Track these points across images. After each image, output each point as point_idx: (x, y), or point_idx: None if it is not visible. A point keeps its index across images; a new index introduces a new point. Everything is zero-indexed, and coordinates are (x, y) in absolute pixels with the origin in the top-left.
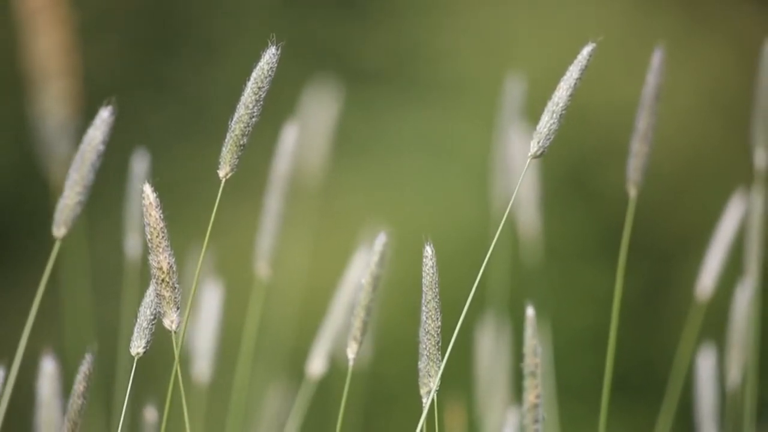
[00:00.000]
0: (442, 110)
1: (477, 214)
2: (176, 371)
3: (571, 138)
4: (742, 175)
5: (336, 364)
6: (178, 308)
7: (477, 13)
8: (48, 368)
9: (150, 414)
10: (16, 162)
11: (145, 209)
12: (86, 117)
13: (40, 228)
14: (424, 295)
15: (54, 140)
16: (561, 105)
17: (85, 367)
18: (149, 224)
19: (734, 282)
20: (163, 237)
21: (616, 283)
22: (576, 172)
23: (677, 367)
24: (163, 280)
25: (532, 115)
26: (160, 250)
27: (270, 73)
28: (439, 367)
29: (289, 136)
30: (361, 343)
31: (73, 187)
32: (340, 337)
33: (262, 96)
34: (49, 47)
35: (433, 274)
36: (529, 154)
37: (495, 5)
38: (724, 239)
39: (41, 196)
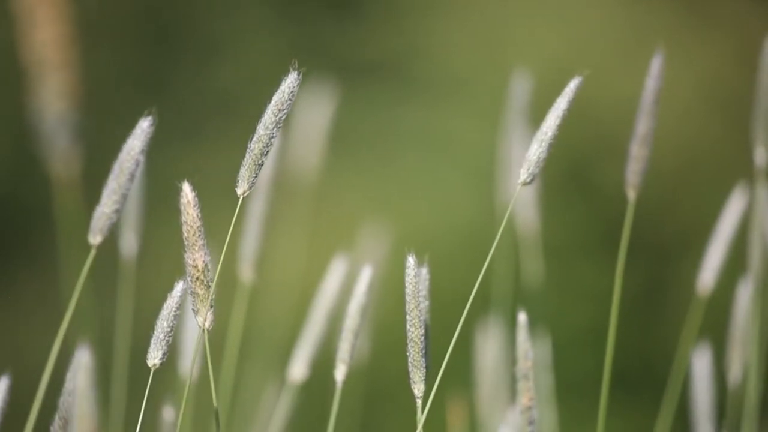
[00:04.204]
0: (440, 108)
1: (476, 212)
2: (210, 374)
3: (571, 135)
4: (742, 171)
5: (330, 363)
6: (212, 306)
7: (475, 11)
8: (84, 359)
9: (167, 414)
10: (14, 156)
11: (183, 207)
12: (87, 113)
13: (40, 222)
14: (407, 305)
15: (53, 134)
16: (549, 135)
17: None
18: (186, 222)
19: (735, 278)
20: (199, 235)
21: (615, 283)
22: (576, 169)
23: (677, 364)
24: (197, 278)
25: (534, 113)
26: (197, 248)
27: (291, 97)
28: (423, 374)
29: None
30: (348, 365)
31: (111, 195)
32: (324, 342)
33: (282, 118)
34: (47, 40)
35: (415, 284)
36: (519, 181)
37: (494, 3)
38: (724, 235)
39: (41, 189)
